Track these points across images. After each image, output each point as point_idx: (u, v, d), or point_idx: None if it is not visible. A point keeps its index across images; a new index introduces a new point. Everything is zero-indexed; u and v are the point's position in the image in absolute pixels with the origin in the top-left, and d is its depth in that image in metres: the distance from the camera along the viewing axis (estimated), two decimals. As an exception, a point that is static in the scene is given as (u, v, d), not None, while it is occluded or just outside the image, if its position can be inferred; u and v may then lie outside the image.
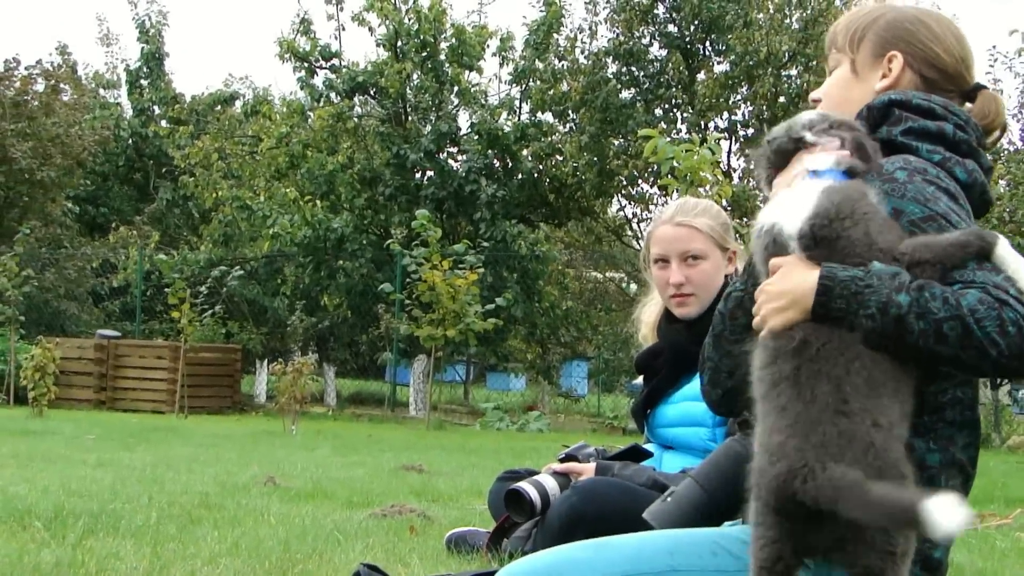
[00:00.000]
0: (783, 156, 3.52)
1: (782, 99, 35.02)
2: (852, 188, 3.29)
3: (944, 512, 2.80)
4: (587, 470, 5.67)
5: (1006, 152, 28.82)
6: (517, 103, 35.15)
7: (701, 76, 35.94)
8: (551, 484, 5.61)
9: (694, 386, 5.21)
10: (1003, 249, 3.21)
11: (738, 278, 3.79)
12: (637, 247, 36.08)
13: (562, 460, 5.84)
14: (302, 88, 34.65)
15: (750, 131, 36.25)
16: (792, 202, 3.31)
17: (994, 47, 32.06)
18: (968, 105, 3.84)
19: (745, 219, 16.85)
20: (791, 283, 3.22)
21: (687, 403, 5.40)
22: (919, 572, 3.55)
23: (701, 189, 15.96)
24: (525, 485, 5.58)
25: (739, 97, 36.25)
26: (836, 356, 3.15)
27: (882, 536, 3.10)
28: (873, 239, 3.22)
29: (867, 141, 3.43)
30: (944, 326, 3.09)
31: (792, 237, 3.28)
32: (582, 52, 36.41)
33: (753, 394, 3.33)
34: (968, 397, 3.55)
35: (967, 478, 3.60)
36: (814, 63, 34.39)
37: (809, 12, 35.11)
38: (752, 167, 3.64)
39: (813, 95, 3.96)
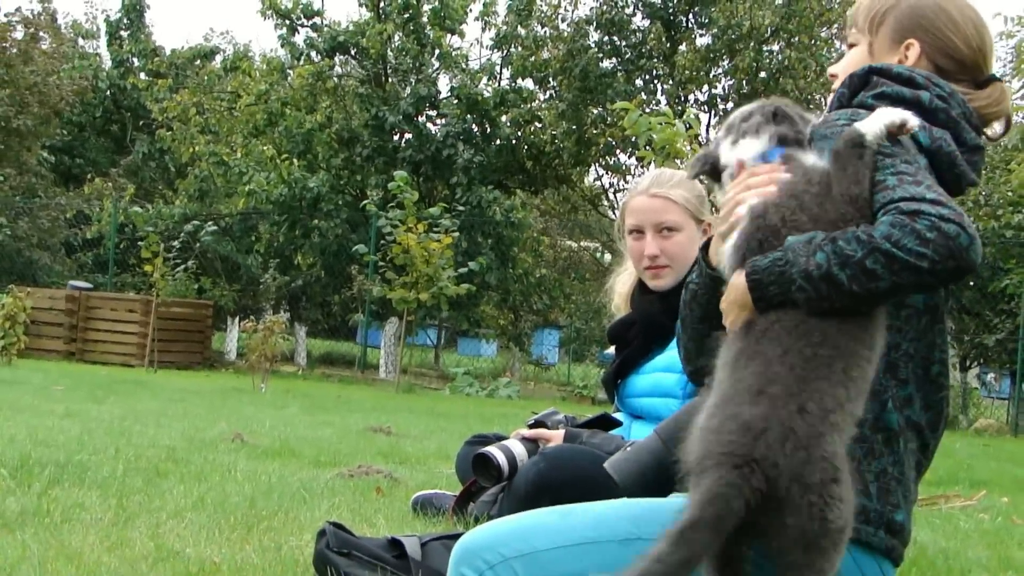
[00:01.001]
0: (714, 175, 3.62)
1: (763, 74, 35.06)
2: (784, 190, 3.32)
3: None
4: (556, 437, 5.67)
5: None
6: (498, 69, 35.18)
7: (683, 48, 35.93)
8: (519, 450, 5.61)
9: (665, 357, 5.22)
10: (868, 126, 3.33)
11: (692, 269, 3.83)
12: (613, 217, 36.10)
13: (531, 426, 5.84)
14: (283, 46, 34.62)
15: (730, 104, 36.22)
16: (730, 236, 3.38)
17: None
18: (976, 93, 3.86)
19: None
20: (733, 292, 3.29)
21: (658, 374, 5.41)
22: (883, 535, 3.58)
23: (677, 161, 15.97)
24: (493, 450, 5.58)
25: (720, 70, 36.29)
26: (778, 337, 3.17)
27: (805, 535, 3.12)
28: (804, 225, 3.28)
29: (789, 131, 3.48)
30: (867, 262, 3.11)
31: (730, 267, 3.34)
32: (564, 20, 36.40)
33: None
34: (920, 353, 3.55)
35: (925, 445, 3.65)
36: (796, 39, 34.45)
37: (792, -13, 35.02)
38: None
39: (831, 69, 3.97)
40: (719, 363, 3.30)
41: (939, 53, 3.82)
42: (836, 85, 3.84)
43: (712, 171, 3.56)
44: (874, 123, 3.30)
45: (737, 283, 3.25)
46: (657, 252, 5.49)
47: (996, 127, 3.88)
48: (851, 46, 3.93)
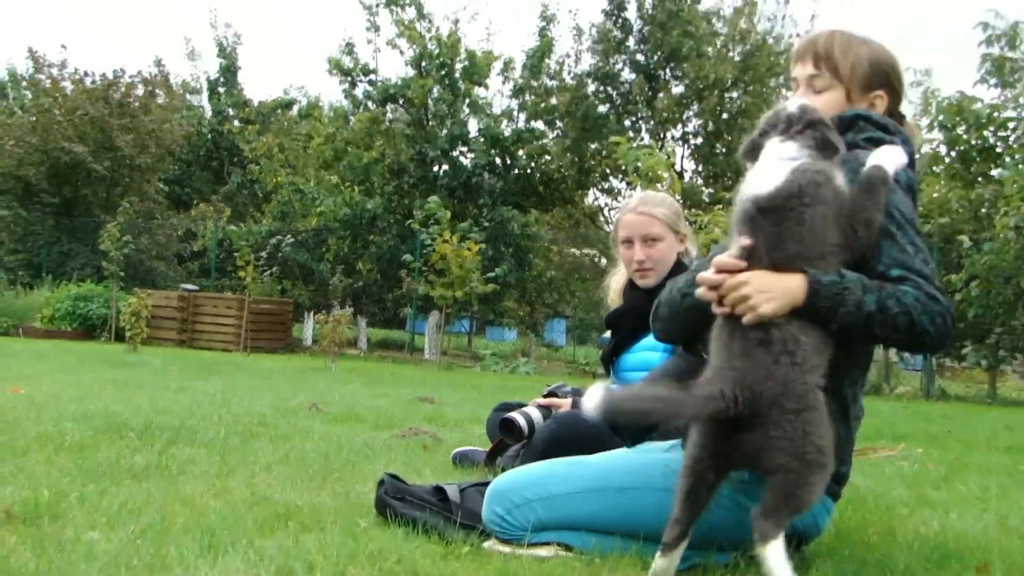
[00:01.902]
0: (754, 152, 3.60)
1: (725, 115, 35.09)
2: (820, 171, 3.33)
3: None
4: (565, 404, 5.69)
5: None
6: (515, 113, 35.12)
7: (661, 95, 35.84)
8: (536, 415, 5.63)
9: (650, 339, 5.22)
10: (889, 165, 3.48)
11: (692, 266, 3.90)
12: (607, 230, 36.06)
13: (545, 396, 5.85)
14: (345, 97, 34.62)
15: (699, 140, 36.25)
16: (766, 174, 3.36)
17: (910, 101, 31.95)
18: None
19: (694, 209, 16.83)
20: (779, 282, 3.29)
21: (645, 352, 5.41)
22: (832, 484, 3.64)
23: (658, 184, 15.96)
24: (515, 415, 5.60)
25: (691, 112, 36.20)
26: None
27: (788, 437, 3.17)
28: (817, 227, 3.31)
29: (833, 136, 3.47)
30: (897, 319, 3.33)
31: (754, 202, 3.33)
32: (568, 74, 36.37)
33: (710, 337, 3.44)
34: (867, 351, 3.70)
35: (861, 407, 3.83)
36: (751, 87, 34.45)
37: (748, 47, 35.07)
38: (739, 155, 3.67)
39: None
40: (719, 324, 3.38)
41: (892, 101, 3.89)
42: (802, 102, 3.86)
43: (752, 154, 3.54)
44: (890, 163, 3.41)
45: (789, 277, 3.29)
46: (644, 258, 5.55)
47: None
48: (821, 90, 3.85)
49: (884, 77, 3.85)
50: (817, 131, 3.41)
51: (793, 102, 3.55)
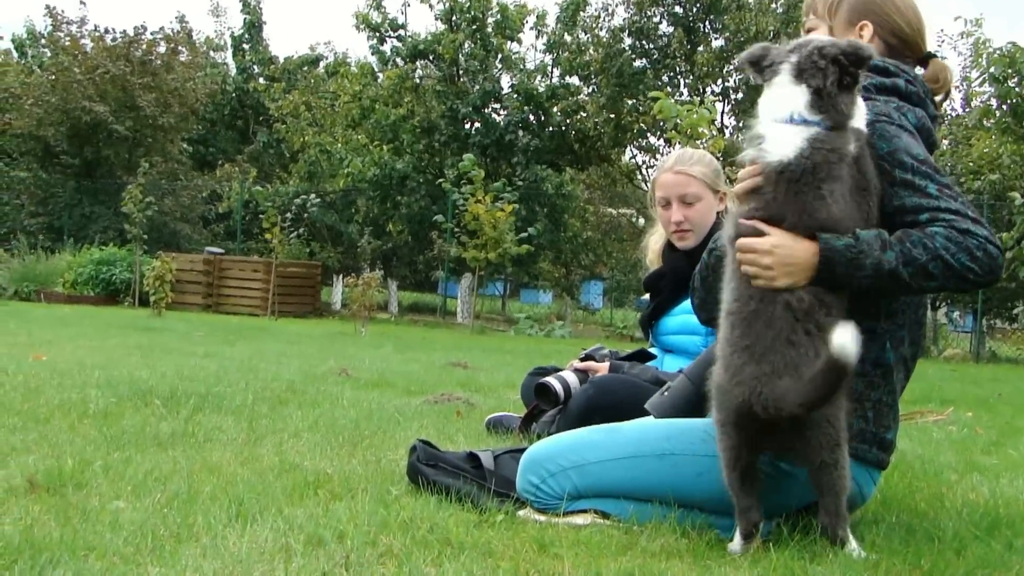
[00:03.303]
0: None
1: (767, 69, 34.86)
2: (834, 146, 3.27)
3: (845, 335, 2.99)
4: (602, 368, 5.68)
5: (949, 117, 28.69)
6: (549, 68, 35.10)
7: (700, 49, 35.71)
8: (572, 379, 5.62)
9: (689, 302, 5.23)
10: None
11: (716, 237, 3.88)
12: (645, 189, 36.01)
13: (582, 359, 5.85)
14: (373, 53, 34.70)
15: (740, 95, 36.09)
16: (783, 141, 3.30)
17: (942, 30, 31.71)
18: (920, 70, 3.87)
19: (735, 167, 16.78)
20: (798, 252, 3.29)
21: (685, 315, 5.41)
22: (876, 451, 3.65)
23: (699, 142, 15.91)
24: (551, 379, 5.60)
25: (732, 67, 36.05)
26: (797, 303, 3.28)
27: (823, 433, 3.18)
28: (828, 203, 3.27)
29: (855, 105, 3.39)
30: (929, 266, 3.30)
31: (771, 167, 3.30)
32: (602, 28, 36.25)
33: (722, 305, 3.41)
34: (914, 301, 3.70)
35: (908, 372, 3.80)
36: (795, 39, 34.21)
37: (791, -2, 34.86)
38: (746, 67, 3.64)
39: None
40: (737, 298, 3.32)
41: (887, 32, 3.87)
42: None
43: (757, 67, 3.57)
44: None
45: (807, 246, 3.29)
46: (682, 219, 5.56)
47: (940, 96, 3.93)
48: (809, 30, 3.94)
49: (870, 8, 3.86)
50: (843, 98, 3.34)
51: (845, 42, 3.42)
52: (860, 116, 3.38)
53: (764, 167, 3.31)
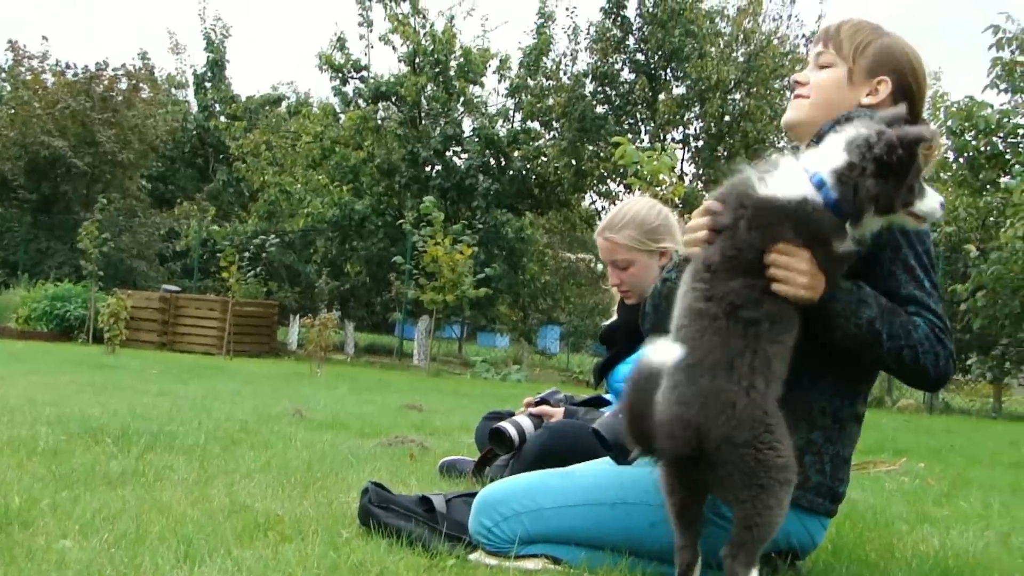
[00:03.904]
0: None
1: (727, 118, 35.15)
2: (820, 227, 3.21)
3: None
4: (557, 413, 5.69)
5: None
6: (511, 113, 35.19)
7: (662, 97, 35.91)
8: (527, 424, 5.63)
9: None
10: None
11: (670, 267, 3.87)
12: (604, 234, 36.17)
13: (537, 403, 5.85)
14: (335, 94, 34.76)
15: (700, 143, 36.30)
16: (789, 182, 3.22)
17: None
18: None
19: (694, 215, 16.87)
20: (816, 272, 3.26)
21: (640, 363, 5.41)
22: (828, 503, 3.65)
23: (659, 189, 15.97)
24: (506, 424, 5.61)
25: (692, 115, 36.27)
26: (751, 334, 3.18)
27: (745, 478, 3.10)
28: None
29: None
30: (903, 352, 3.40)
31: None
32: (565, 73, 36.39)
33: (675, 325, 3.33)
34: (870, 372, 3.74)
35: (860, 426, 3.81)
36: (754, 89, 34.54)
37: (752, 48, 35.18)
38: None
39: (798, 78, 3.92)
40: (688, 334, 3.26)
41: (900, 92, 3.86)
42: (803, 91, 3.85)
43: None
44: None
45: (817, 275, 3.26)
46: (618, 282, 5.58)
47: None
48: (823, 66, 3.87)
49: (892, 66, 3.82)
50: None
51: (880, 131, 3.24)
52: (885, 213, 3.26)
53: (745, 197, 3.26)
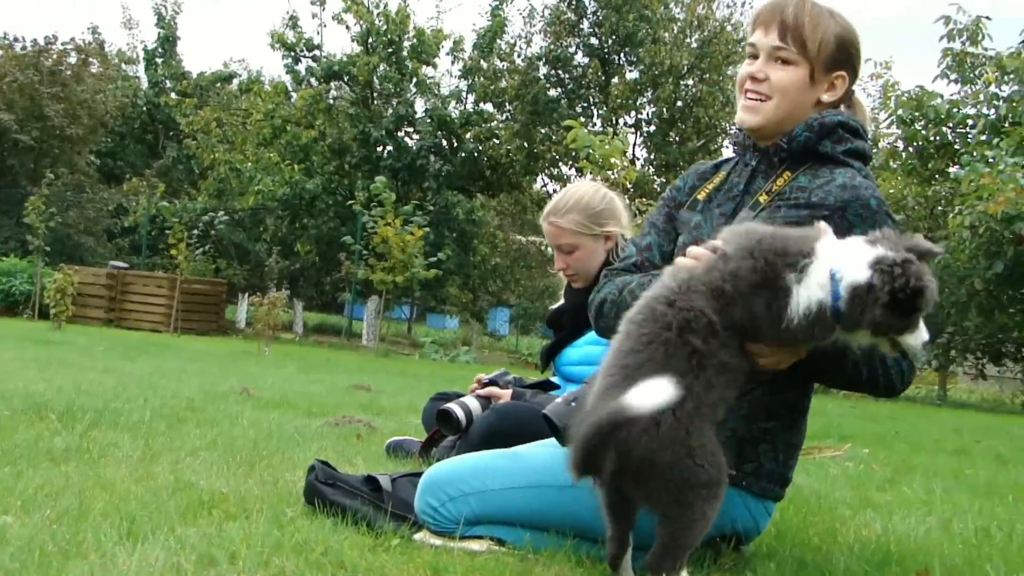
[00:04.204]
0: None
1: (680, 103, 35.29)
2: (820, 327, 3.17)
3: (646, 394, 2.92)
4: (504, 395, 5.69)
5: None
6: (464, 94, 35.16)
7: (615, 81, 35.98)
8: (474, 405, 5.63)
9: (592, 335, 5.24)
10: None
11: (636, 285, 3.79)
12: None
13: (485, 384, 5.84)
14: (287, 72, 34.63)
15: (652, 128, 36.41)
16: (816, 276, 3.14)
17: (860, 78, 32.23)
18: (843, 108, 3.84)
19: (644, 199, 16.89)
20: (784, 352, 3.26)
21: (588, 347, 5.42)
22: (776, 488, 3.68)
23: (610, 173, 15.99)
24: (453, 406, 5.60)
25: (645, 100, 36.37)
26: (683, 357, 3.11)
27: (668, 494, 3.07)
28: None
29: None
30: (880, 379, 3.54)
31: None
32: (519, 56, 36.43)
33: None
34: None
35: (807, 413, 3.85)
36: (707, 75, 34.67)
37: (706, 34, 35.35)
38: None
39: (755, 73, 3.74)
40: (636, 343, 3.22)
41: (853, 82, 3.83)
42: (762, 90, 3.72)
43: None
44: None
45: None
46: (564, 266, 5.59)
47: None
48: (784, 61, 3.71)
49: (848, 56, 3.78)
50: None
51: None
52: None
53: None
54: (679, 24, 36.02)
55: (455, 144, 33.95)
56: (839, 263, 3.07)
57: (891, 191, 25.04)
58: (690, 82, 35.64)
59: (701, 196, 3.92)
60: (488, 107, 35.46)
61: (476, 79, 34.93)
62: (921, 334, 3.16)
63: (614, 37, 35.06)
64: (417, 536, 3.73)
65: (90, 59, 38.02)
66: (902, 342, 3.16)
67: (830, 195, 3.55)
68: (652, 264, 3.89)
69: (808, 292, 3.06)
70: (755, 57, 3.78)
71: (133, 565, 2.99)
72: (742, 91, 3.80)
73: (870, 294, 3.01)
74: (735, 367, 3.15)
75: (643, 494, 3.11)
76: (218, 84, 43.40)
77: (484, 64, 34.98)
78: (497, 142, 35.39)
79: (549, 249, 5.80)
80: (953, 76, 25.44)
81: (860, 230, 3.31)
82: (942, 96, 24.84)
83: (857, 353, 3.33)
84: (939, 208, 24.71)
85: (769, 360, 3.21)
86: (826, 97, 3.76)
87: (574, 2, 35.34)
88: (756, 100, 3.75)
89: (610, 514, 3.26)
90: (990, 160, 20.53)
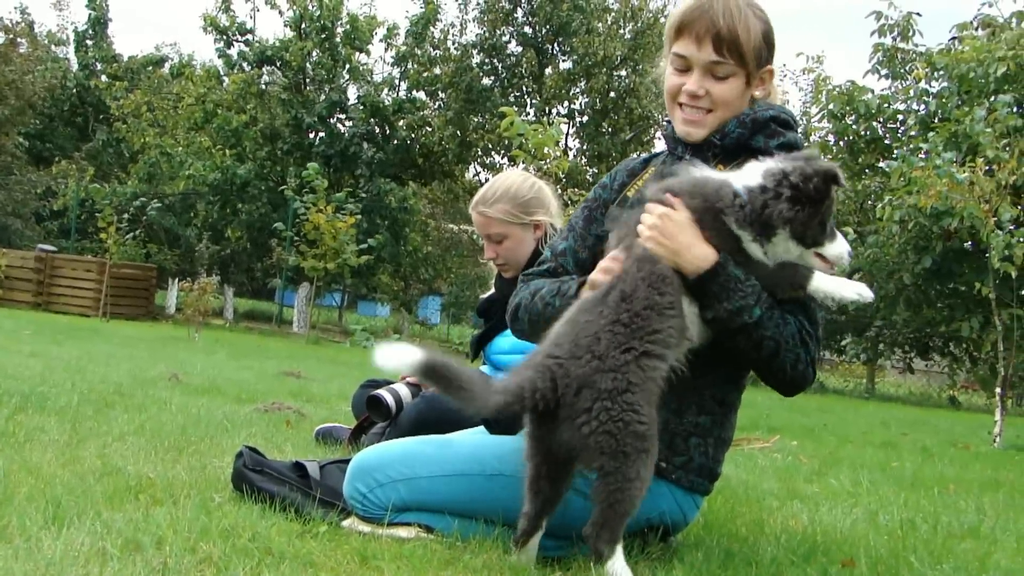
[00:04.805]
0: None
1: (613, 94, 35.40)
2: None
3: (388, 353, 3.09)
4: (434, 383, 5.68)
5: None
6: (397, 82, 35.07)
7: (549, 71, 36.05)
8: (404, 392, 5.64)
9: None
10: (817, 281, 3.39)
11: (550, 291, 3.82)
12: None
13: (415, 372, 5.84)
14: (220, 57, 34.42)
15: (585, 118, 36.49)
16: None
17: (784, 65, 32.43)
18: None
19: (576, 190, 16.92)
20: (688, 239, 3.33)
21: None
22: (705, 482, 3.71)
23: (543, 163, 15.99)
24: (383, 392, 5.61)
25: (578, 90, 36.47)
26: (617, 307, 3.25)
27: (603, 436, 3.13)
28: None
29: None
30: (765, 342, 3.41)
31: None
32: (453, 44, 36.42)
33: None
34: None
35: (738, 409, 3.88)
36: (640, 66, 34.78)
37: (639, 25, 35.46)
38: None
39: (693, 89, 3.71)
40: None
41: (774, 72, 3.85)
42: (703, 105, 3.72)
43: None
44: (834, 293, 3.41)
45: (704, 247, 3.35)
46: (494, 255, 5.63)
47: None
48: (721, 78, 3.70)
49: (772, 49, 3.82)
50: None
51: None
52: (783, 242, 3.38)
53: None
54: (613, 15, 36.14)
55: (388, 131, 33.88)
56: (739, 182, 3.34)
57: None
58: (623, 73, 35.76)
59: (631, 193, 3.94)
60: (421, 95, 35.42)
61: (409, 66, 34.88)
62: (841, 244, 3.37)
63: (548, 26, 35.12)
64: (345, 523, 3.73)
65: (18, 39, 37.60)
66: (826, 254, 3.36)
67: None
68: (566, 270, 3.93)
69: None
70: (685, 69, 3.75)
71: (58, 549, 2.97)
72: (675, 103, 3.80)
73: (766, 193, 3.27)
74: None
75: (583, 436, 3.15)
76: (149, 67, 43.10)
77: (417, 51, 34.93)
78: (430, 130, 35.38)
79: (480, 238, 5.79)
80: (884, 71, 25.69)
81: None
82: (873, 91, 25.08)
83: (752, 300, 3.37)
84: (869, 202, 24.92)
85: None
86: (758, 93, 3.80)
87: (509, -9, 35.40)
88: (698, 115, 3.75)
89: (532, 489, 3.32)
90: (923, 155, 20.72)
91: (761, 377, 3.62)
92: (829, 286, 3.37)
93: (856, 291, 3.37)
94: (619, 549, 3.19)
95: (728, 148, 3.74)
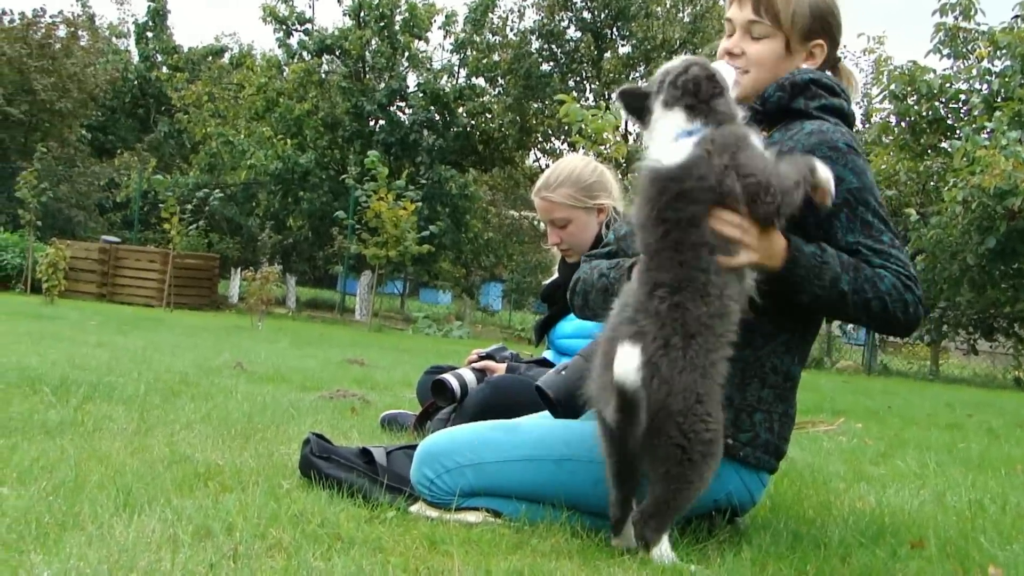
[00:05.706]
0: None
1: (672, 78, 35.29)
2: (729, 135, 3.24)
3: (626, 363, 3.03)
4: (500, 369, 5.69)
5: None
6: (456, 69, 35.11)
7: (608, 55, 35.96)
8: (470, 377, 5.63)
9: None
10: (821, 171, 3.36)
11: (612, 235, 3.87)
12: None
13: (483, 357, 5.85)
14: (279, 46, 34.50)
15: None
16: (672, 149, 3.25)
17: (845, 46, 32.24)
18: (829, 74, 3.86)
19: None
20: (770, 240, 3.31)
21: (580, 320, 5.43)
22: (772, 460, 3.68)
23: (602, 147, 15.96)
24: (448, 376, 5.60)
25: (638, 74, 36.36)
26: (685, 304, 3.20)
27: (676, 451, 3.14)
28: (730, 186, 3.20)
29: (731, 109, 3.37)
30: (872, 303, 3.44)
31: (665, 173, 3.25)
32: (512, 30, 36.40)
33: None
34: (816, 321, 3.82)
35: (798, 386, 3.81)
36: (699, 50, 34.60)
37: (698, 8, 35.32)
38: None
39: (731, 48, 3.79)
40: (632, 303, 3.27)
41: (832, 48, 3.87)
42: (738, 65, 3.73)
43: (638, 113, 3.47)
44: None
45: (778, 238, 3.33)
46: (557, 241, 5.62)
47: None
48: (759, 37, 3.76)
49: (825, 25, 3.81)
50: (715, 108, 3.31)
51: (698, 64, 3.39)
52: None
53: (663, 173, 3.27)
54: (671, -1, 36.04)
55: (448, 118, 33.87)
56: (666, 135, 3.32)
57: (883, 166, 25.03)
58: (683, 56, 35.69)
59: None
60: (480, 81, 35.43)
61: (468, 53, 34.88)
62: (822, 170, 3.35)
63: (607, 11, 35.05)
64: (413, 508, 3.74)
65: (80, 32, 37.92)
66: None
67: (799, 143, 3.57)
68: (627, 253, 3.91)
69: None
70: (732, 33, 3.84)
71: (130, 536, 3.00)
72: None
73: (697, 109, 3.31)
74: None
75: (654, 448, 3.17)
76: (209, 58, 43.32)
77: (476, 38, 34.92)
78: (489, 116, 35.38)
79: (542, 224, 5.78)
80: (946, 51, 25.45)
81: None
82: (935, 71, 24.83)
83: (837, 271, 3.39)
84: (931, 183, 24.69)
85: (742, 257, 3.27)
86: (806, 66, 3.80)
87: (567, -24, 35.35)
88: (736, 75, 3.71)
89: (615, 479, 3.33)
90: (986, 134, 20.52)
91: (879, 331, 3.80)
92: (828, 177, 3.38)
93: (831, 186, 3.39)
94: (665, 539, 3.23)
95: (770, 112, 3.74)
